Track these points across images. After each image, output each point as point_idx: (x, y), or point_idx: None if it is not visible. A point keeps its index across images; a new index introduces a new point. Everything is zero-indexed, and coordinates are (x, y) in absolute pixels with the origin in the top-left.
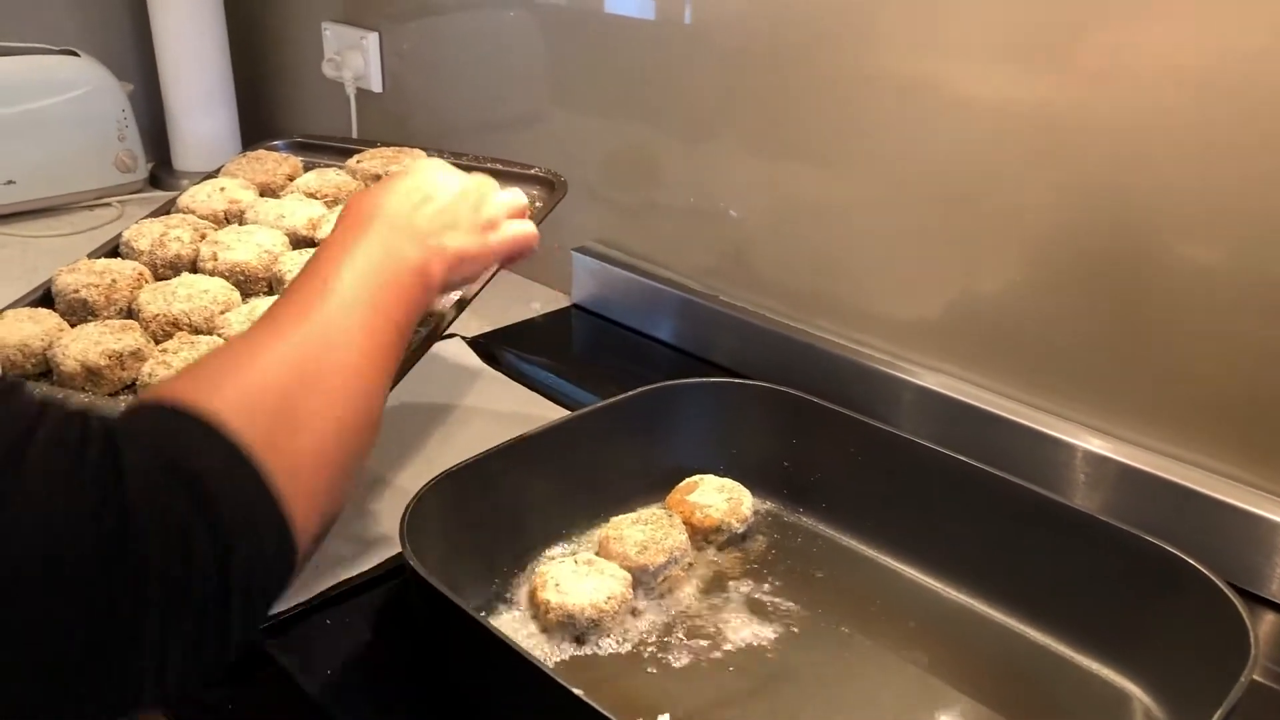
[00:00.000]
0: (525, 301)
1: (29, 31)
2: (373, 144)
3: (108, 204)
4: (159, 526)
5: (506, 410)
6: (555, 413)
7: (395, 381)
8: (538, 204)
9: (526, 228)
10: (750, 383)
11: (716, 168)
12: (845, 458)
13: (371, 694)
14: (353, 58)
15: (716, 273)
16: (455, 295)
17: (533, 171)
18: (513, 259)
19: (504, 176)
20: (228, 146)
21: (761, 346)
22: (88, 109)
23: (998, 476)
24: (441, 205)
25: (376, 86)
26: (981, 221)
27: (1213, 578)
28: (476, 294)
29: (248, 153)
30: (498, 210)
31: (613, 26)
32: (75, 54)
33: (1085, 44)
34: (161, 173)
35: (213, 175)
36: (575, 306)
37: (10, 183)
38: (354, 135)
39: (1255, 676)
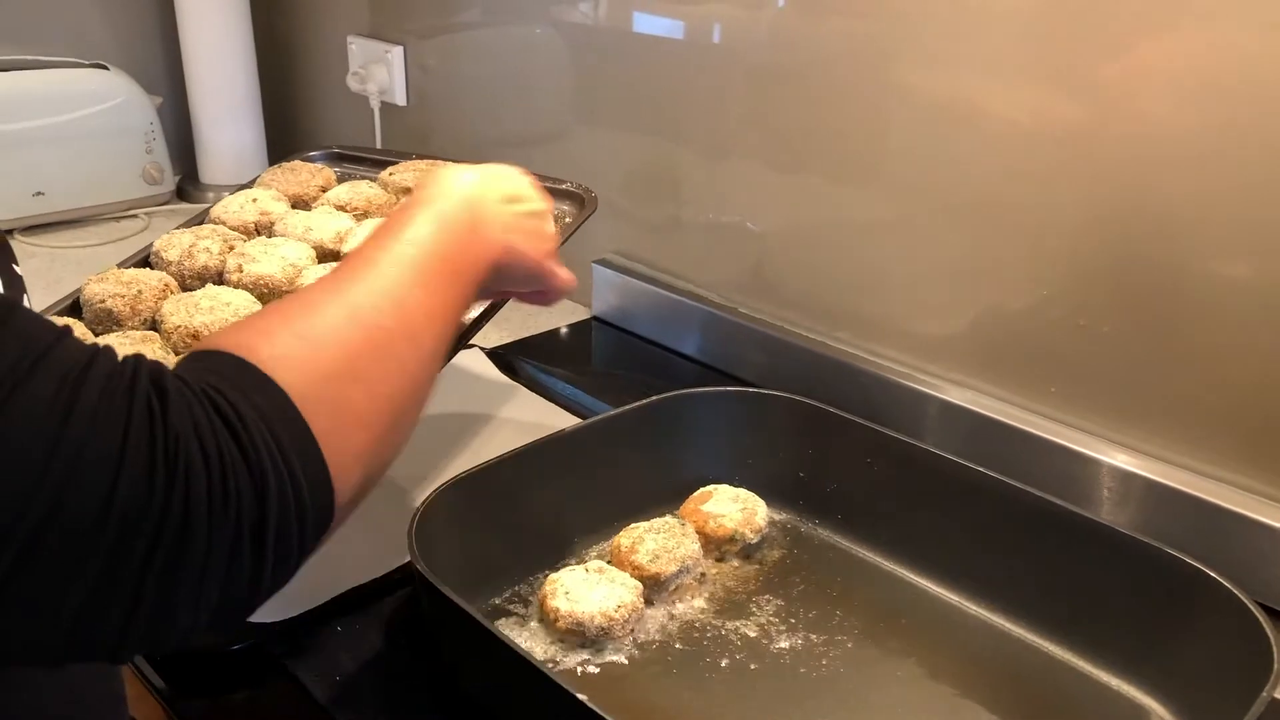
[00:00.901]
0: (544, 314)
1: (60, 45)
2: (408, 156)
3: (135, 215)
4: (202, 460)
5: (524, 420)
6: (572, 423)
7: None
8: (567, 219)
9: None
10: (765, 392)
11: (739, 184)
12: (861, 468)
13: (380, 700)
14: (377, 71)
15: (738, 286)
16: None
17: (564, 186)
18: (549, 295)
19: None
20: (254, 159)
21: (784, 360)
22: (117, 122)
23: (1015, 487)
24: (527, 210)
25: (401, 100)
26: (1005, 237)
27: (1236, 592)
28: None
29: (284, 164)
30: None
31: (640, 45)
32: (105, 67)
33: (1109, 60)
34: (188, 185)
35: (248, 186)
36: (595, 319)
37: (39, 194)
38: (377, 146)
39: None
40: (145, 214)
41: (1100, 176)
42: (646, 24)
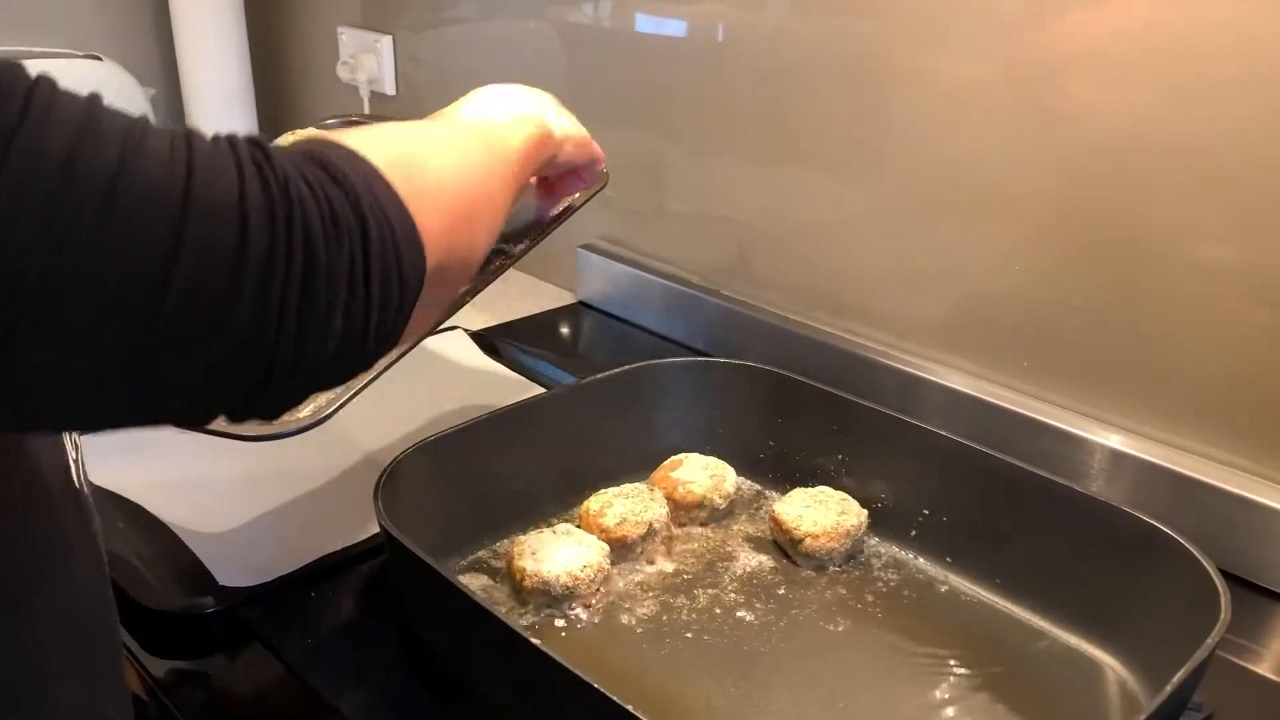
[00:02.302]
0: (529, 297)
1: (54, 37)
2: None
3: None
4: (311, 197)
5: (503, 397)
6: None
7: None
8: (576, 195)
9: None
10: (734, 362)
11: (724, 176)
12: (829, 436)
13: (349, 663)
14: (367, 61)
15: (721, 271)
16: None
17: None
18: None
19: None
20: None
21: (766, 342)
22: None
23: (975, 449)
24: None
25: (390, 89)
26: (989, 219)
27: (1188, 545)
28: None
29: (297, 130)
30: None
31: (631, 42)
32: (99, 59)
33: (1089, 33)
34: None
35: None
36: (581, 303)
37: None
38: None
39: (1269, 674)
40: None
41: (1079, 155)
42: (638, 21)
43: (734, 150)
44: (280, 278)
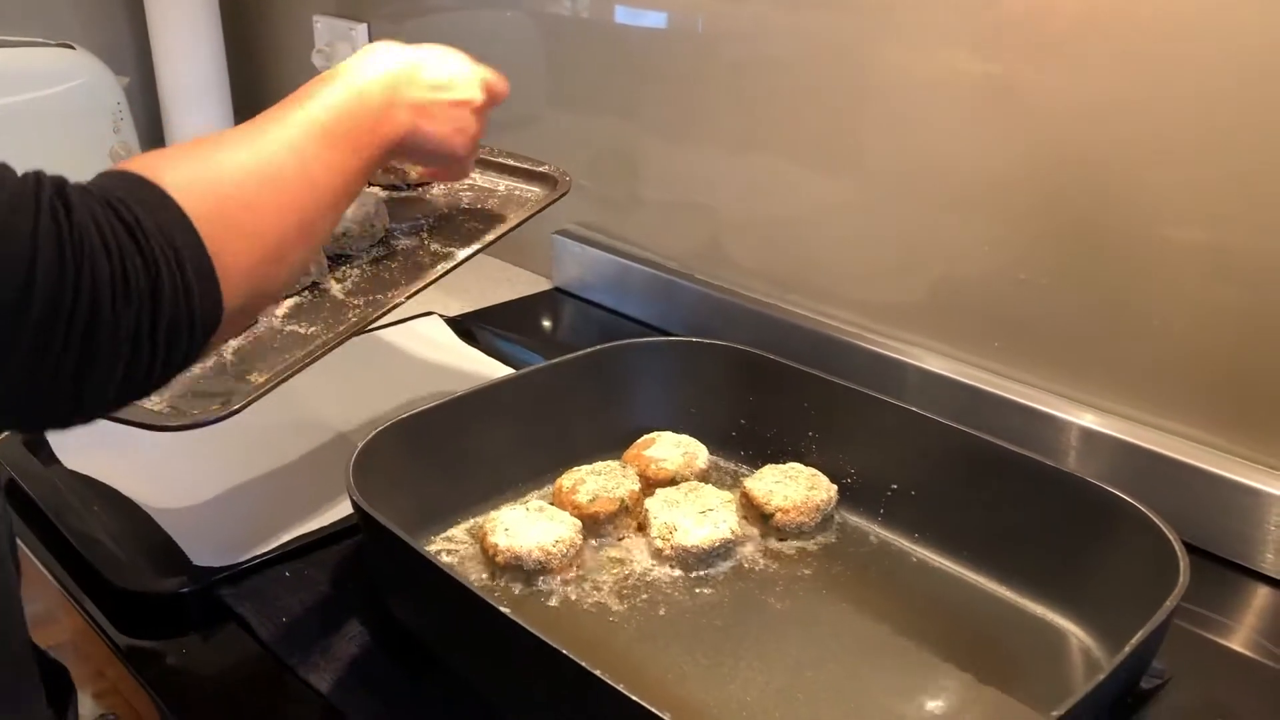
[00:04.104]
0: (505, 284)
1: (26, 25)
2: None
3: None
4: (104, 250)
5: (478, 380)
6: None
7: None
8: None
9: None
10: (705, 341)
11: (699, 163)
12: (800, 412)
13: (322, 639)
14: (342, 49)
15: (695, 255)
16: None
17: (542, 169)
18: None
19: (515, 172)
20: None
21: (741, 326)
22: (84, 102)
23: (940, 423)
24: (449, 98)
25: None
26: (960, 205)
27: (1147, 512)
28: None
29: None
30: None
31: (608, 32)
32: (71, 47)
33: (1052, 17)
34: None
35: None
36: (557, 290)
37: None
38: None
39: (1247, 651)
40: None
41: (1048, 136)
42: (618, 13)
43: (711, 139)
44: (60, 335)
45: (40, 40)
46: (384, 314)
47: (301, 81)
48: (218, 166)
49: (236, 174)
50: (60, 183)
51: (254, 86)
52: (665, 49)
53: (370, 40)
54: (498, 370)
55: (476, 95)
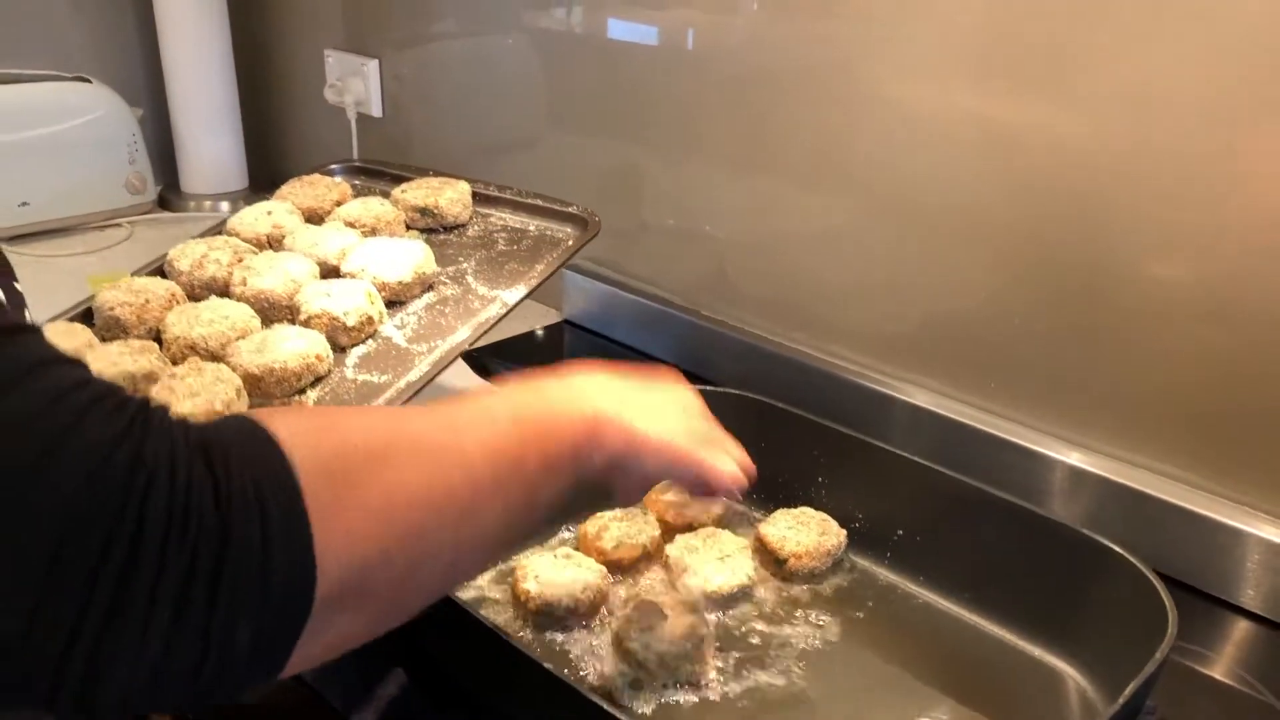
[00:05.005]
0: (517, 316)
1: (43, 59)
2: (425, 172)
3: (118, 224)
4: (168, 478)
5: None
6: None
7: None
8: (569, 242)
9: (742, 462)
10: (720, 389)
11: (702, 187)
12: (809, 460)
13: (360, 676)
14: (354, 84)
15: (702, 289)
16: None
17: (570, 209)
18: (712, 486)
19: (545, 213)
20: (234, 168)
21: (745, 361)
22: (100, 133)
23: (943, 474)
24: (653, 397)
25: (376, 111)
26: (951, 239)
27: (1136, 562)
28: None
29: (304, 176)
30: (720, 436)
31: (610, 51)
32: (87, 80)
33: (1047, 66)
34: (170, 194)
35: (265, 197)
36: (567, 321)
37: (25, 204)
38: (355, 157)
39: (1231, 682)
40: (128, 223)
41: (1040, 182)
42: (619, 30)
43: (712, 162)
44: (82, 571)
45: (58, 74)
46: (454, 360)
47: (315, 115)
48: (344, 423)
49: (363, 431)
50: (149, 405)
51: (266, 118)
52: (660, 66)
53: (382, 76)
54: None
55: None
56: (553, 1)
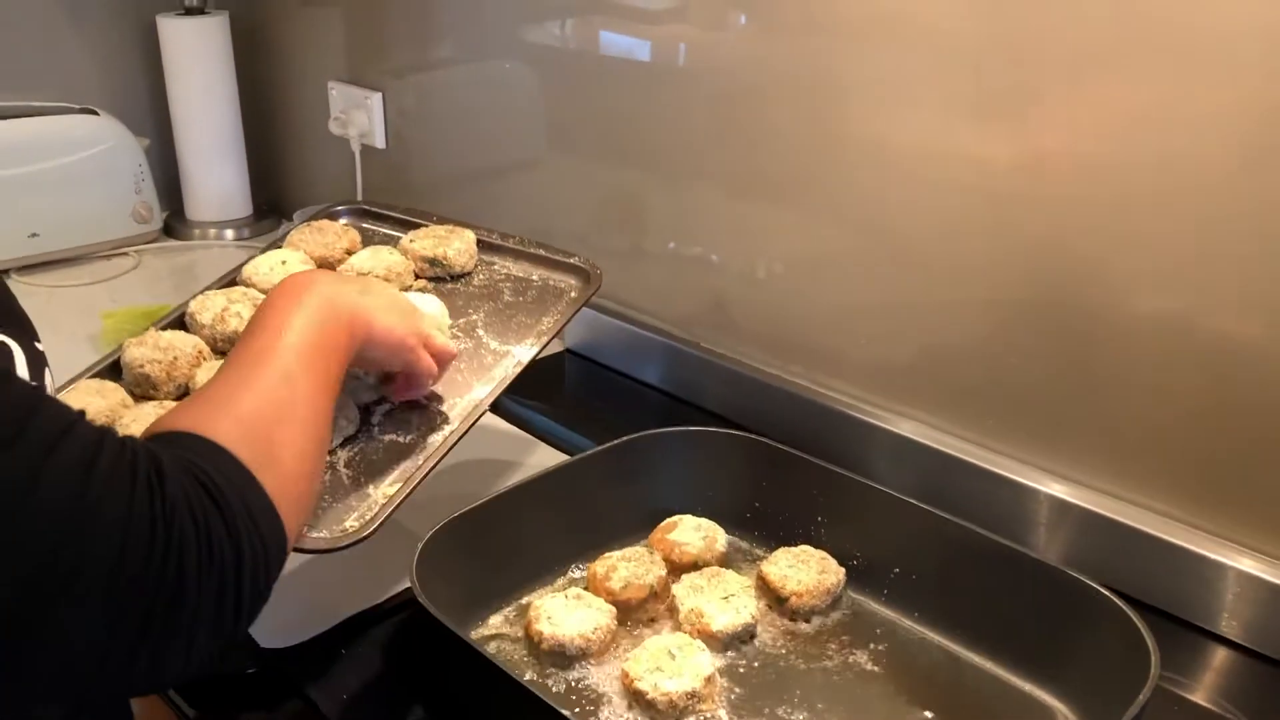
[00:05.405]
0: None
1: (51, 91)
2: (429, 217)
3: (125, 253)
4: (193, 527)
5: (505, 456)
6: (550, 457)
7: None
8: (572, 294)
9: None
10: (725, 431)
11: (699, 214)
12: (809, 499)
13: (384, 715)
14: (358, 116)
15: (698, 320)
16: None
17: (572, 261)
18: (414, 378)
19: (547, 263)
20: (238, 198)
21: (741, 392)
22: (107, 164)
23: (937, 515)
24: (375, 291)
25: (380, 143)
26: (943, 275)
27: (1118, 602)
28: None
29: (311, 223)
30: (428, 323)
31: (607, 71)
32: (95, 112)
33: (1036, 108)
34: (175, 222)
35: (276, 245)
36: (568, 351)
37: (35, 235)
38: (358, 187)
39: (1211, 706)
40: (135, 252)
41: (1027, 219)
42: (613, 46)
43: (709, 186)
44: (142, 605)
45: (66, 106)
46: (480, 417)
47: (318, 146)
48: (245, 416)
49: (260, 418)
50: (153, 454)
51: (271, 149)
52: (659, 87)
53: (385, 109)
54: (524, 444)
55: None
56: (548, 16)
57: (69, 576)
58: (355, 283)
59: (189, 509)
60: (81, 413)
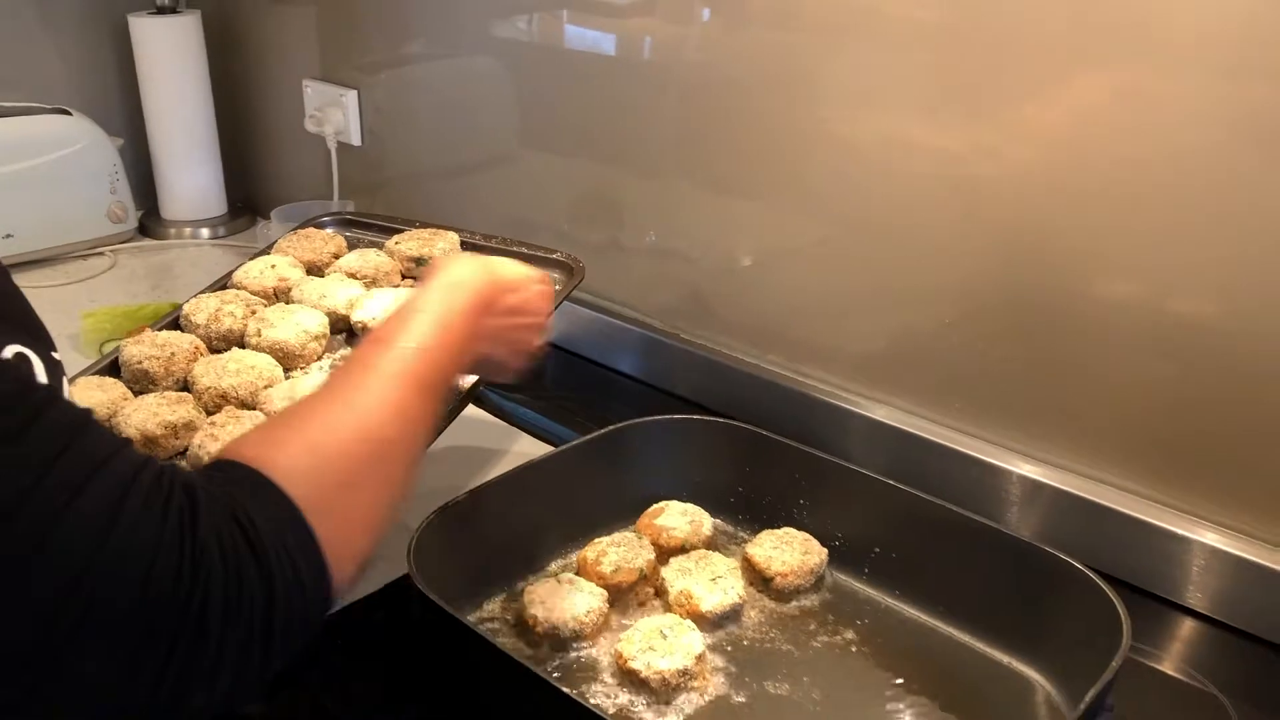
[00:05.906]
0: None
1: (24, 91)
2: (411, 224)
3: (100, 253)
4: (221, 569)
5: (491, 447)
6: (534, 447)
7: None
8: (557, 286)
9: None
10: (709, 419)
11: (674, 207)
12: (791, 483)
13: (381, 701)
14: (333, 114)
15: (676, 311)
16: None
17: (555, 256)
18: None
19: (528, 259)
20: (213, 197)
21: (719, 380)
22: (81, 164)
23: (915, 495)
24: (523, 323)
25: (356, 140)
26: (914, 264)
27: (1091, 575)
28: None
29: (298, 229)
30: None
31: (576, 66)
32: (68, 112)
33: (1003, 99)
34: (150, 222)
35: (265, 251)
36: (550, 344)
37: (9, 236)
38: (334, 185)
39: (1179, 676)
40: (111, 251)
41: (997, 208)
42: (581, 41)
43: (681, 179)
44: (165, 643)
45: (39, 106)
46: (466, 406)
47: (294, 144)
48: (325, 448)
49: (343, 453)
50: (191, 490)
51: (246, 148)
52: (629, 79)
53: (361, 106)
54: (508, 435)
55: (542, 316)
56: (518, 11)
57: (88, 608)
58: (502, 288)
59: (219, 548)
60: (126, 441)
